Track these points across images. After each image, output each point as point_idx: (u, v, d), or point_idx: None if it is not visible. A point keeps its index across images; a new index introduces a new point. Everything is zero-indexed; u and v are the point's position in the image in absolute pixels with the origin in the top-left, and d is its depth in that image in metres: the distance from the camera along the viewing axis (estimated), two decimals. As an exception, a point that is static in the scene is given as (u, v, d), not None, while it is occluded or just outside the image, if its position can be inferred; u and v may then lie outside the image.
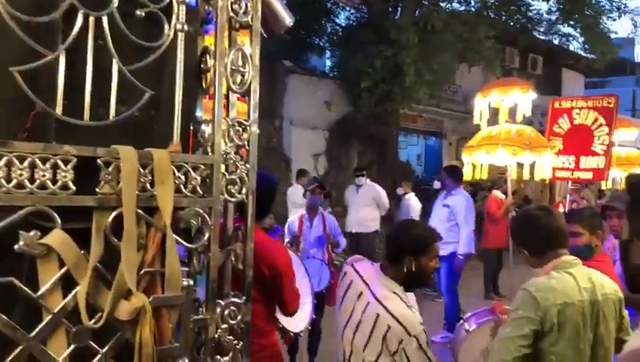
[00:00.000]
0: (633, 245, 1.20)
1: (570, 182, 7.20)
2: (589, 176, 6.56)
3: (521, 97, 6.54)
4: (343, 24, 15.00)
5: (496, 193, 8.58)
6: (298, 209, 6.80)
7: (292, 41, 14.84)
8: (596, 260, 2.90)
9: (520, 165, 6.82)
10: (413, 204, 9.37)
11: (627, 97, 26.62)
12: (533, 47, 17.30)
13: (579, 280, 2.17)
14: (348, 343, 2.47)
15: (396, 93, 12.07)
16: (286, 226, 5.92)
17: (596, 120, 6.52)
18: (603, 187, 9.53)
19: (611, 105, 6.56)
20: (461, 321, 3.53)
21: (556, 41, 17.67)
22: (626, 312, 2.25)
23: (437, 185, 10.12)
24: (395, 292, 2.38)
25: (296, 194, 8.62)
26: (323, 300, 5.10)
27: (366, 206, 8.16)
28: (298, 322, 3.58)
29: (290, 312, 2.86)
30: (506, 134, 6.45)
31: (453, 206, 6.57)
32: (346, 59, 13.27)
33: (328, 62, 16.65)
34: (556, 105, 6.95)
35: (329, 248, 5.64)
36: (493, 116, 6.90)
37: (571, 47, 18.05)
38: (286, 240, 5.63)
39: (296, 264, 4.15)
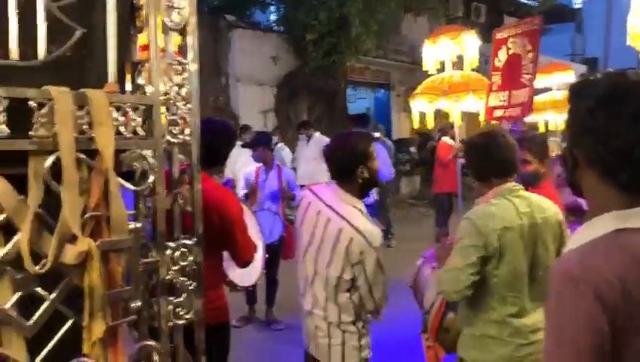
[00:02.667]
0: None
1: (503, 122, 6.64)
2: (517, 112, 5.84)
3: (470, 42, 6.40)
4: (286, -24, 14.65)
5: (445, 139, 8.73)
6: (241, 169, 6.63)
7: (234, -4, 14.47)
8: (543, 187, 3.03)
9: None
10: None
11: (567, 43, 27.30)
12: (476, -6, 17.48)
13: (518, 206, 2.25)
14: (311, 264, 2.49)
15: (343, 44, 11.96)
16: (243, 178, 5.86)
17: (525, 46, 5.76)
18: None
19: (536, 27, 5.75)
20: (422, 259, 3.56)
21: (498, -11, 17.87)
22: (567, 232, 2.35)
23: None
24: (356, 207, 2.43)
25: (236, 152, 8.51)
26: (277, 252, 5.14)
27: (315, 158, 8.18)
28: (247, 276, 3.54)
29: (244, 262, 2.81)
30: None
31: None
32: (290, 13, 13.02)
33: (273, 17, 16.31)
34: (498, 35, 6.19)
35: (284, 202, 5.61)
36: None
37: (513, -5, 18.31)
38: (242, 191, 5.59)
39: (249, 217, 4.11)
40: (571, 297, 1.12)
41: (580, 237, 1.21)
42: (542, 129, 9.06)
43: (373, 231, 2.37)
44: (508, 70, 5.95)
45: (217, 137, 2.69)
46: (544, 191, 2.78)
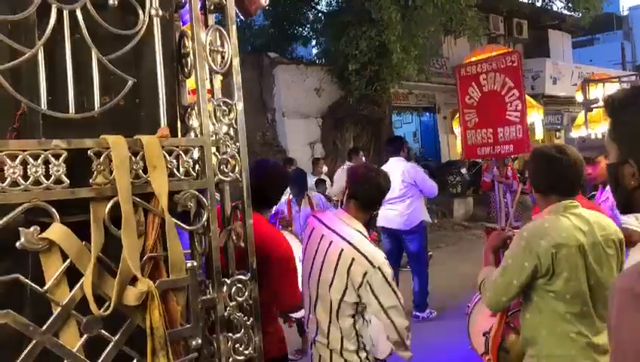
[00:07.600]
0: (624, 167, 1.21)
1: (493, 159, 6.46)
2: (509, 149, 5.73)
3: None
4: (325, 10, 14.93)
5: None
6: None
7: (276, 33, 14.85)
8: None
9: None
10: None
11: (616, 52, 26.56)
12: (516, 11, 17.22)
13: (575, 222, 2.17)
14: (314, 288, 2.49)
15: (385, 72, 12.04)
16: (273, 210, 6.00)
17: (505, 84, 5.67)
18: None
19: (515, 65, 5.64)
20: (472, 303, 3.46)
21: (539, 3, 17.61)
22: (623, 255, 2.24)
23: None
24: (358, 231, 2.45)
25: None
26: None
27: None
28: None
29: (288, 306, 2.76)
30: None
31: None
32: (331, 45, 13.23)
33: (314, 50, 16.61)
34: (462, 72, 6.10)
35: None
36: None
37: (555, 7, 17.96)
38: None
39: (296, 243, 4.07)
40: (634, 313, 1.08)
41: None
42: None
43: (375, 251, 2.39)
44: (485, 107, 5.82)
45: (269, 178, 2.68)
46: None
